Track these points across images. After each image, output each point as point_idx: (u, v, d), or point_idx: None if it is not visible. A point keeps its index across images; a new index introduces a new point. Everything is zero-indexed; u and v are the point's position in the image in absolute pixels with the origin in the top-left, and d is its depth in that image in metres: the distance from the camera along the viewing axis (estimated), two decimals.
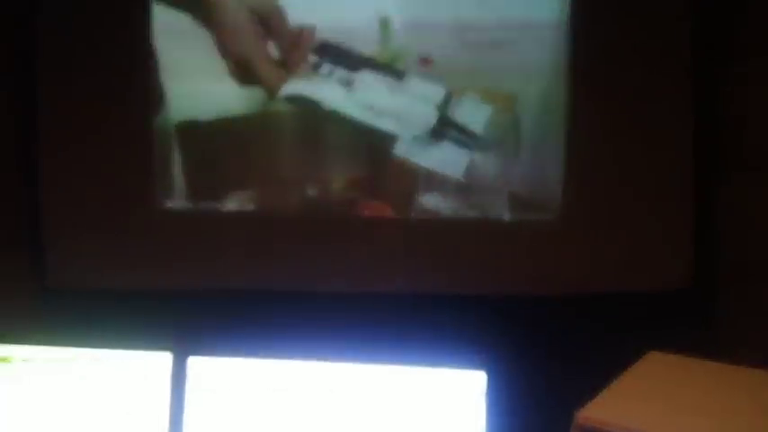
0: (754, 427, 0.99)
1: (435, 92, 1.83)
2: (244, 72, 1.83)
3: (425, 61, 1.82)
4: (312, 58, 1.83)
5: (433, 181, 1.86)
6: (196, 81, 1.86)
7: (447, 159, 1.85)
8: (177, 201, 1.91)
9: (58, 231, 1.91)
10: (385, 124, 1.84)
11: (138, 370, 1.27)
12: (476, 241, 1.85)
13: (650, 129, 1.80)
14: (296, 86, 1.83)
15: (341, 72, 1.83)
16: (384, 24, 1.81)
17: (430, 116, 1.83)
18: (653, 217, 1.82)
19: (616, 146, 1.81)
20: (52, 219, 1.91)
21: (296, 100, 1.84)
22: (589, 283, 1.82)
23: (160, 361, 1.27)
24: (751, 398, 1.08)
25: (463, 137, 1.84)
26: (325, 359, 1.23)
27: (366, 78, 1.83)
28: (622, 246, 1.82)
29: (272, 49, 1.83)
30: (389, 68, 1.82)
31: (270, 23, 1.81)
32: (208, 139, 1.89)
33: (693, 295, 1.79)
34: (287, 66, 1.83)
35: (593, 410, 1.02)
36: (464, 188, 1.86)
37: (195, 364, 1.25)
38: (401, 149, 1.85)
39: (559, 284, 1.81)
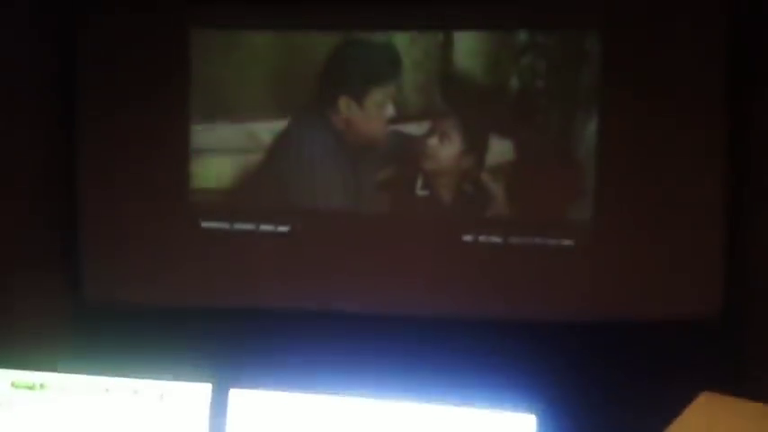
0: None
1: None
2: None
3: None
4: None
5: None
6: None
7: None
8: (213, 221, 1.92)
9: (96, 247, 1.92)
10: None
11: (177, 401, 1.25)
12: (502, 266, 1.84)
13: (682, 153, 1.78)
14: None
15: None
16: None
17: None
18: (683, 246, 1.80)
19: (646, 173, 1.79)
20: (90, 235, 1.92)
21: None
22: (617, 312, 1.80)
23: (200, 392, 1.24)
24: None
25: None
26: (370, 396, 1.19)
27: None
28: (652, 275, 1.80)
29: None
30: None
31: None
32: None
33: (724, 325, 1.75)
34: None
35: None
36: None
37: (236, 396, 1.22)
38: None
39: (591, 311, 1.80)
